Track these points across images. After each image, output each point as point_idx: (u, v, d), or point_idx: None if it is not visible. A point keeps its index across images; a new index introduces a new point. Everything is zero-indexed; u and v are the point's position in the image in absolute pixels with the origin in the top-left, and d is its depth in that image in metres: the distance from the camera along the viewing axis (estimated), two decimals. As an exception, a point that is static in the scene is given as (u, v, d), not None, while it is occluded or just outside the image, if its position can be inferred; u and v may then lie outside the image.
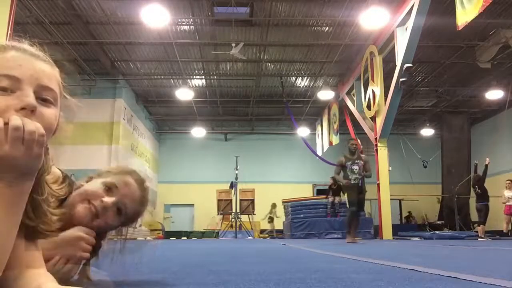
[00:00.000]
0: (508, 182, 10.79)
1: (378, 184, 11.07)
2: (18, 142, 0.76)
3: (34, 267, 0.91)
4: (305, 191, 18.36)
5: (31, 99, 0.82)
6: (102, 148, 14.02)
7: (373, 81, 11.32)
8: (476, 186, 11.12)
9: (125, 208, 1.27)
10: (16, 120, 0.77)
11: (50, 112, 0.85)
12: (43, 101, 0.85)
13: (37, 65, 0.87)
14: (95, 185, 1.26)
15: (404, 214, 19.89)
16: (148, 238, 14.16)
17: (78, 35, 11.78)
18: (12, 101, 0.80)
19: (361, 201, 7.62)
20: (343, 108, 15.00)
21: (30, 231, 0.89)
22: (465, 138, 17.69)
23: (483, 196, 10.92)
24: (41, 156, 0.80)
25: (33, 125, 0.79)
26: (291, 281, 1.50)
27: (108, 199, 1.23)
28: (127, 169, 1.33)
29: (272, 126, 20.46)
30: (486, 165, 10.94)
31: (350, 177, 7.42)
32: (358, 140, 13.84)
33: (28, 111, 0.80)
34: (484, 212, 10.85)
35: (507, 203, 10.71)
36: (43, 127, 0.81)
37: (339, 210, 12.41)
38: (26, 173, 0.80)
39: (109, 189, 1.25)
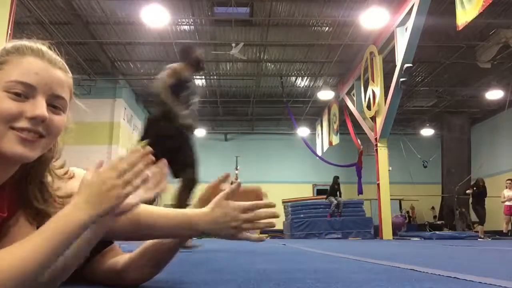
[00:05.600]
0: (508, 181, 10.77)
1: (378, 184, 11.07)
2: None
3: None
4: (305, 191, 18.34)
5: (43, 109, 0.84)
6: (102, 148, 14.00)
7: (373, 81, 11.31)
8: (475, 188, 11.19)
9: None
10: None
11: (59, 119, 0.89)
12: (54, 107, 0.88)
13: (53, 73, 0.89)
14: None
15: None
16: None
17: (78, 35, 11.77)
18: (25, 108, 0.83)
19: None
20: (343, 108, 14.99)
21: (40, 214, 0.93)
22: (465, 138, 17.67)
23: (479, 196, 10.95)
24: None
25: None
26: (291, 281, 1.50)
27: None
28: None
29: (272, 126, 20.44)
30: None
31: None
32: (358, 140, 13.90)
33: (39, 120, 0.84)
34: (481, 212, 10.87)
35: (507, 203, 10.69)
36: (51, 133, 0.87)
37: (342, 210, 12.50)
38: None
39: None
